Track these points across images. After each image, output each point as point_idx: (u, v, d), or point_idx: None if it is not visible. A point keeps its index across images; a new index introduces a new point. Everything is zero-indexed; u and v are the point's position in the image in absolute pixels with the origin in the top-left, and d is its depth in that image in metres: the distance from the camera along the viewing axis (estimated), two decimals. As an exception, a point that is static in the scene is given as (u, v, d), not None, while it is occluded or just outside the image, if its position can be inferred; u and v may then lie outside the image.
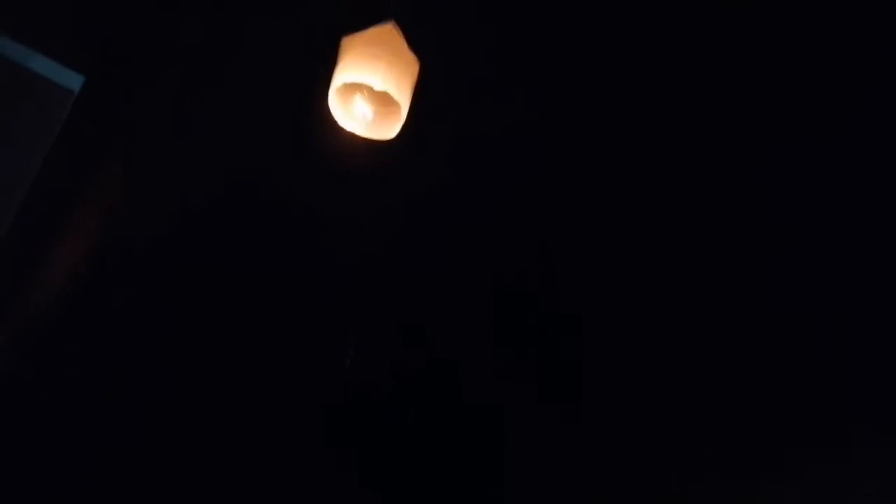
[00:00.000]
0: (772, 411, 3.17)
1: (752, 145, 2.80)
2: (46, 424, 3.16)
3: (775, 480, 3.21)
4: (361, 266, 3.48)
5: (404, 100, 1.82)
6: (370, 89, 1.80)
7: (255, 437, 3.52)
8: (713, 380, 3.27)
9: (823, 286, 2.92)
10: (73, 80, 2.51)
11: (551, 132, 3.06)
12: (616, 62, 2.75)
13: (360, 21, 1.91)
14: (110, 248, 2.95)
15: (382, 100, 1.85)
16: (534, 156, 3.15)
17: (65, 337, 3.04)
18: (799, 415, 3.12)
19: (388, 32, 1.81)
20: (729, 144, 2.83)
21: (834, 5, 2.35)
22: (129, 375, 3.28)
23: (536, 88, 2.96)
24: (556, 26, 2.74)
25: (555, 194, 3.24)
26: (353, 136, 2.00)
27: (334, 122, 1.98)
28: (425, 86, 2.11)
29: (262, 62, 2.89)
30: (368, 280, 3.53)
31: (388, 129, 1.91)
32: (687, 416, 3.36)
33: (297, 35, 2.80)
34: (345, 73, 1.78)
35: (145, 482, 3.32)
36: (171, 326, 3.33)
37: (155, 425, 3.35)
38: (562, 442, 3.57)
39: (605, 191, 3.15)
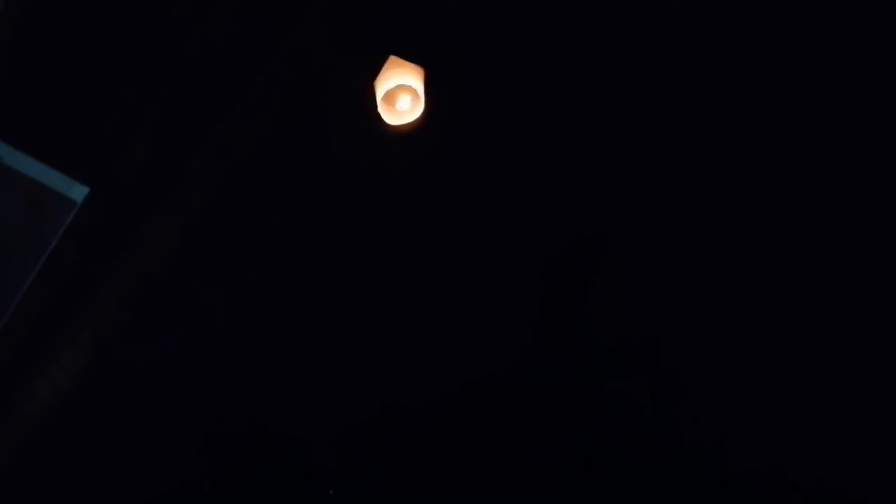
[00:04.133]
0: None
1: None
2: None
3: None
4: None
5: (423, 98, 2.90)
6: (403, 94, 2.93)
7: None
8: None
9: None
10: (77, 191, 2.53)
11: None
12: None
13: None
14: (98, 369, 2.97)
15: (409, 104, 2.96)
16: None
17: (37, 458, 3.04)
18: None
19: (420, 70, 2.88)
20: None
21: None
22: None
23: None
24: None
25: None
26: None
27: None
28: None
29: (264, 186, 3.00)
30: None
31: (412, 116, 2.97)
32: None
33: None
34: (391, 79, 2.84)
35: None
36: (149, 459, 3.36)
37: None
38: None
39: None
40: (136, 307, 2.98)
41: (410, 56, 2.84)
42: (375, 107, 2.94)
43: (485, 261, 3.51)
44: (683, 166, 2.99)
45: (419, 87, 2.88)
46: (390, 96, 2.92)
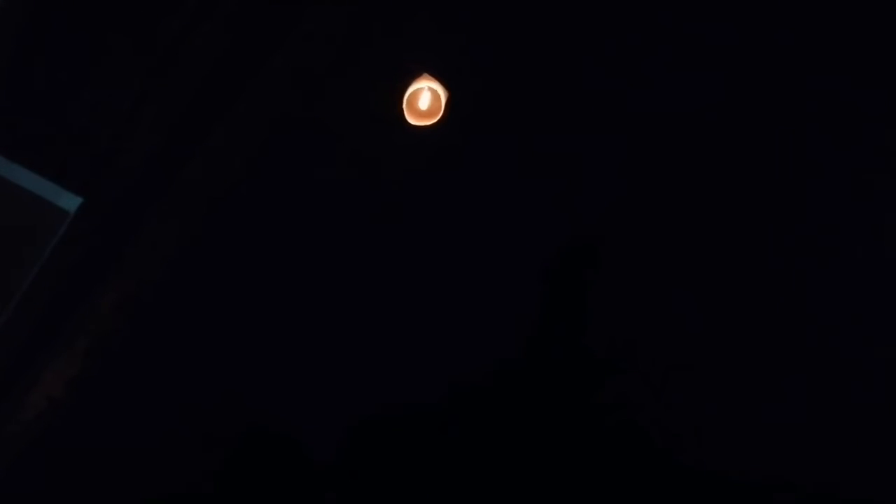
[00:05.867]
0: None
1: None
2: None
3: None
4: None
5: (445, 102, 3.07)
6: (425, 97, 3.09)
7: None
8: None
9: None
10: (70, 202, 2.51)
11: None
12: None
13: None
14: (97, 371, 2.96)
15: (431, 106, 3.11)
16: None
17: (35, 464, 3.04)
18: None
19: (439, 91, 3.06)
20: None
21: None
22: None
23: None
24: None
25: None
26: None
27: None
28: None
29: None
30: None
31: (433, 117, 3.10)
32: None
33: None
34: (418, 83, 3.01)
35: None
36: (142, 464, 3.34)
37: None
38: None
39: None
40: (133, 311, 2.97)
41: (413, 54, 2.86)
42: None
43: (485, 261, 3.51)
44: (684, 167, 2.98)
45: (442, 93, 3.02)
46: (414, 96, 3.05)
